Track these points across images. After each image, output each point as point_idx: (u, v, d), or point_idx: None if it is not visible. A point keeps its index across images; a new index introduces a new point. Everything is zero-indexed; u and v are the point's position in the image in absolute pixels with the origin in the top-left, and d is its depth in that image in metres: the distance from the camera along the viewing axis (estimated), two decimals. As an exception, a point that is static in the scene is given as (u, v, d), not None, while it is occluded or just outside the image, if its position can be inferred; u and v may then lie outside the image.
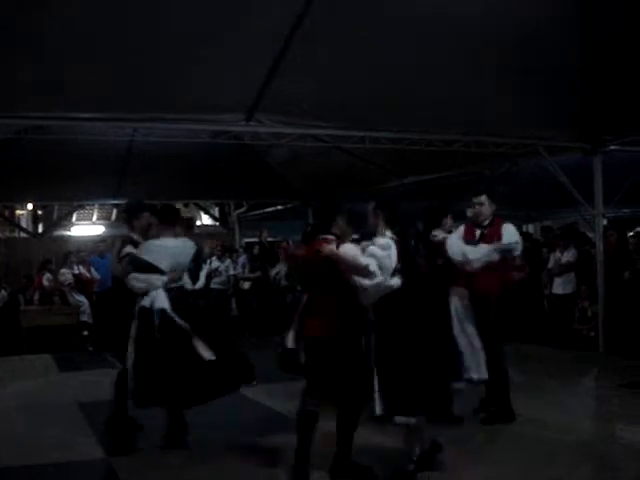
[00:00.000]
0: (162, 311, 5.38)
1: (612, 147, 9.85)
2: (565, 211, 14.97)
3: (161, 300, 5.41)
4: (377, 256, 4.78)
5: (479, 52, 7.40)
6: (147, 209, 6.03)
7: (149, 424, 6.39)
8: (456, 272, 6.00)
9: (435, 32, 7.04)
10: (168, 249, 5.56)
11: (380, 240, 4.93)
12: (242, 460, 5.51)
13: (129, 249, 5.78)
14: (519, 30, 7.08)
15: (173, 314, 5.39)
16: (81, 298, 12.56)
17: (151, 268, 5.45)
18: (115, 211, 23.90)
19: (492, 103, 8.35)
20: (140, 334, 5.47)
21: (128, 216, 6.17)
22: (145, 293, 5.47)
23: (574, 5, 6.94)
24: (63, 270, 12.64)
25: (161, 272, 5.45)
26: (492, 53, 7.42)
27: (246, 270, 13.74)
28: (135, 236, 5.95)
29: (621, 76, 7.82)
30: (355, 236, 5.18)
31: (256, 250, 14.25)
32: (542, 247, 12.26)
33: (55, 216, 19.32)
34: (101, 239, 14.87)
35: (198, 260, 6.13)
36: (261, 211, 17.76)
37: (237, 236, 17.53)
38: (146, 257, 5.50)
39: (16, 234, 18.56)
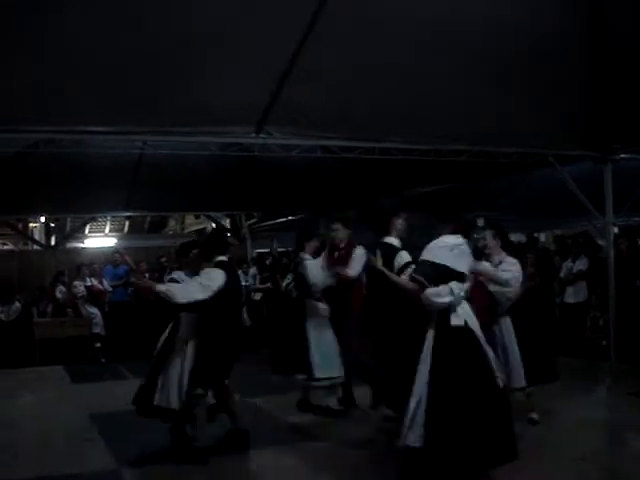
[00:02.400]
0: None
1: (622, 155, 9.83)
2: (576, 219, 14.91)
3: None
4: None
5: (488, 62, 7.43)
6: None
7: (158, 435, 6.43)
8: None
9: (443, 45, 7.08)
10: None
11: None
12: (255, 469, 5.53)
13: None
14: (527, 40, 7.11)
15: None
16: (93, 310, 12.64)
17: None
18: (127, 223, 24.08)
19: (501, 113, 8.36)
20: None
21: None
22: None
23: (581, 13, 6.96)
24: (75, 282, 12.74)
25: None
26: (501, 63, 7.44)
27: (257, 281, 13.81)
28: None
29: (630, 85, 7.82)
30: None
31: (269, 261, 14.36)
32: (554, 256, 12.23)
33: (68, 228, 19.43)
34: (116, 250, 14.95)
35: None
36: (272, 222, 17.80)
37: (249, 247, 17.58)
38: None
39: (29, 246, 18.67)
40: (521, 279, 6.03)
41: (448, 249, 4.79)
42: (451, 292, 4.64)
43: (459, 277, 4.72)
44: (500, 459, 4.61)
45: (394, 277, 5.38)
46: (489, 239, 6.03)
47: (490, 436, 4.48)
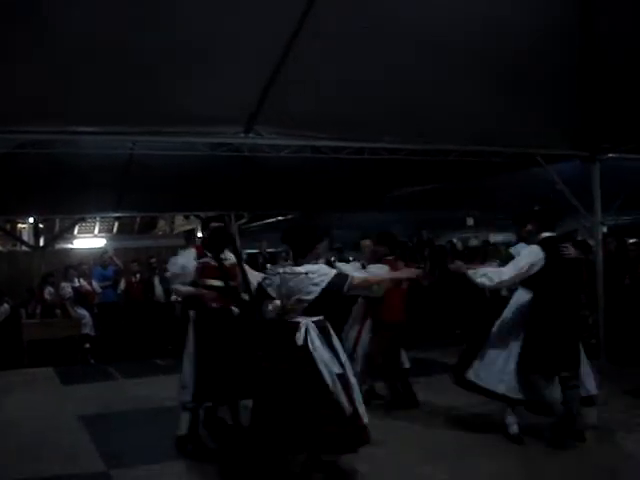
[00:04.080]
0: None
1: (611, 155, 9.86)
2: (565, 219, 14.96)
3: None
4: None
5: (476, 63, 7.43)
6: None
7: (148, 436, 6.43)
8: None
9: (433, 44, 7.07)
10: None
11: None
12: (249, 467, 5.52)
13: None
14: (516, 40, 7.11)
15: None
16: (82, 311, 12.59)
17: None
18: (117, 224, 24.01)
19: (489, 112, 8.36)
20: None
21: None
22: None
23: (571, 15, 6.97)
24: (63, 284, 12.69)
25: None
26: (489, 63, 7.45)
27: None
28: None
29: (619, 84, 7.85)
30: None
31: (261, 260, 14.43)
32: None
33: (57, 229, 19.35)
34: (104, 251, 14.88)
35: None
36: (262, 222, 17.80)
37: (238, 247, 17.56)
38: None
39: (18, 247, 18.59)
40: None
41: None
42: None
43: None
44: None
45: None
46: None
47: None
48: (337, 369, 4.88)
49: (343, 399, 4.78)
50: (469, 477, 5.33)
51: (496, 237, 17.71)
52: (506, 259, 6.44)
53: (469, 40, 7.06)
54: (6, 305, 12.72)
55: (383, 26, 6.75)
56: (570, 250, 6.14)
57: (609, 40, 7.26)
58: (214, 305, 6.06)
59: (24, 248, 17.18)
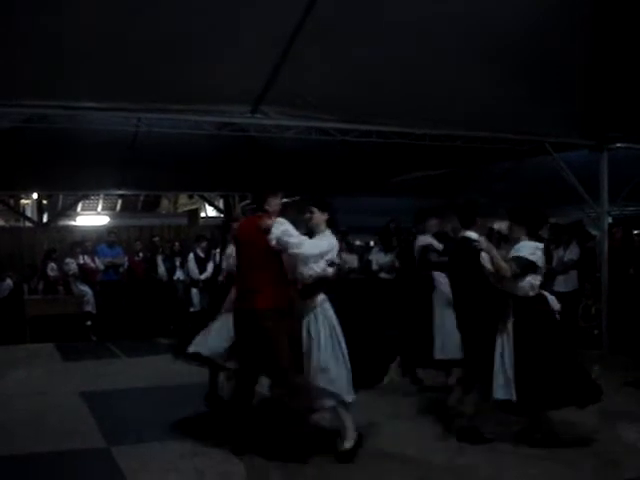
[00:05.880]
0: None
1: (618, 144, 9.81)
2: (571, 208, 14.92)
3: None
4: None
5: (485, 49, 7.37)
6: None
7: (148, 413, 6.43)
8: None
9: (441, 29, 6.99)
10: None
11: None
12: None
13: None
14: (525, 27, 7.04)
15: None
16: (85, 288, 12.59)
17: None
18: (120, 201, 23.98)
19: (498, 99, 8.31)
20: None
21: None
22: None
23: (582, 5, 6.90)
24: (68, 260, 12.68)
25: None
26: (498, 50, 7.38)
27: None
28: None
29: (628, 73, 7.78)
30: None
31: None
32: (550, 244, 12.19)
33: (60, 206, 19.33)
34: (111, 230, 14.83)
35: None
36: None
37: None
38: None
39: (21, 223, 18.58)
40: None
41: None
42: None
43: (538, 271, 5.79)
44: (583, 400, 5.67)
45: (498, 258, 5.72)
46: None
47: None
48: None
49: None
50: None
51: (500, 224, 17.62)
52: None
53: (480, 26, 6.99)
54: (9, 281, 12.73)
55: (393, 9, 6.69)
56: None
57: (619, 29, 7.19)
58: None
59: (27, 224, 17.18)
